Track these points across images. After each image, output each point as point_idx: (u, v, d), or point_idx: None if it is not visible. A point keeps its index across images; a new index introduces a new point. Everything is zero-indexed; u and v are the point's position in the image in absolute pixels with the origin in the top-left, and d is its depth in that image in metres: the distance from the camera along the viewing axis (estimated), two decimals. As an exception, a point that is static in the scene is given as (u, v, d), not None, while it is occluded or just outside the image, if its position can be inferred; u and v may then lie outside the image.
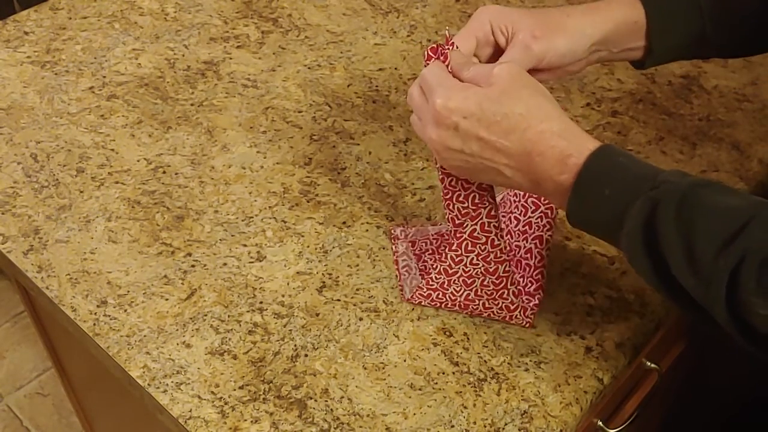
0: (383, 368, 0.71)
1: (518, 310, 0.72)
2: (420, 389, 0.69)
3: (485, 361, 0.71)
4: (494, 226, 0.67)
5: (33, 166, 0.88)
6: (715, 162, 0.90)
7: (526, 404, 0.69)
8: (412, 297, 0.74)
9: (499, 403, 0.69)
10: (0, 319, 1.90)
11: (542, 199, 0.74)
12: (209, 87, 0.97)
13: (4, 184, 0.86)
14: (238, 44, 1.03)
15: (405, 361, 0.71)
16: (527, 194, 0.74)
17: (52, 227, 0.81)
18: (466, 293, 0.72)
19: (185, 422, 0.67)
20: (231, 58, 1.01)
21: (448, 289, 0.72)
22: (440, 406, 0.68)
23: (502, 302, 0.71)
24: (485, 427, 0.67)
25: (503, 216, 0.77)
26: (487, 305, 0.72)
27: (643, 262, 0.57)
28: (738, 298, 0.52)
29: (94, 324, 0.74)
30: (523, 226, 0.73)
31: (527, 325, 0.73)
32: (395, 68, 1.00)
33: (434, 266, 0.71)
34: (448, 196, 0.67)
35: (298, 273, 0.78)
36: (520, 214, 0.75)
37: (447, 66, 0.64)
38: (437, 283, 0.72)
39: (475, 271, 0.70)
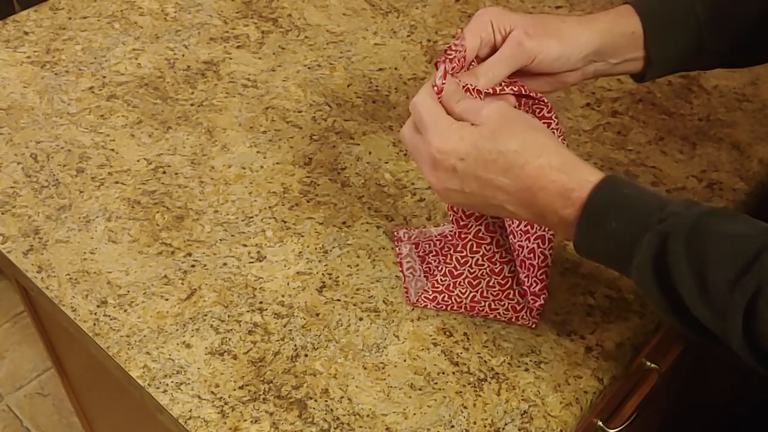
0: (383, 368, 0.71)
1: (524, 310, 0.72)
2: (420, 389, 0.69)
3: (485, 361, 0.71)
4: (499, 226, 0.67)
5: (33, 166, 0.88)
6: (715, 162, 0.90)
7: (526, 404, 0.69)
8: (417, 300, 0.74)
9: (499, 403, 0.69)
10: (0, 319, 1.90)
11: None
12: (209, 87, 0.97)
13: (4, 184, 0.86)
14: (238, 44, 1.03)
15: (405, 361, 0.71)
16: None
17: (52, 227, 0.82)
18: (471, 295, 0.72)
19: (185, 422, 0.67)
20: (231, 58, 1.01)
21: (453, 291, 0.72)
22: (440, 406, 0.68)
23: (508, 303, 0.71)
24: (485, 427, 0.67)
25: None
26: (493, 306, 0.72)
27: (655, 296, 0.57)
28: (756, 329, 0.52)
29: (94, 324, 0.74)
30: (526, 226, 0.73)
31: (533, 326, 0.73)
32: (395, 68, 1.00)
33: (439, 268, 0.71)
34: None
35: (298, 273, 0.78)
36: None
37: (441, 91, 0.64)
38: (443, 285, 0.71)
39: (481, 272, 0.70)
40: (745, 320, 0.52)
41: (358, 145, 0.91)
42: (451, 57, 0.65)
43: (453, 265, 0.70)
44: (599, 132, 0.93)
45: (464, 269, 0.70)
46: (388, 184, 0.86)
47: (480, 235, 0.68)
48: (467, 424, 0.67)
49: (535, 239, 0.73)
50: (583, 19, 0.70)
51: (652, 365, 0.86)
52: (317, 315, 0.74)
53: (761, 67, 1.02)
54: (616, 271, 0.62)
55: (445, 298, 0.73)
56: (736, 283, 0.52)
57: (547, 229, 0.73)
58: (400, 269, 0.77)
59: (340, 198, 0.85)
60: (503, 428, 0.67)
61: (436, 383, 0.70)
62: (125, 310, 0.75)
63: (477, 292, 0.71)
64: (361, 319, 0.74)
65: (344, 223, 0.82)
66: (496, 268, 0.69)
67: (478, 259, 0.69)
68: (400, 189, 0.86)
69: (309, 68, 1.00)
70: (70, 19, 1.07)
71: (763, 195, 0.89)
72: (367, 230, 0.82)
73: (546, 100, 0.67)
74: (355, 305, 0.75)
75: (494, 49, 0.68)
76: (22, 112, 0.94)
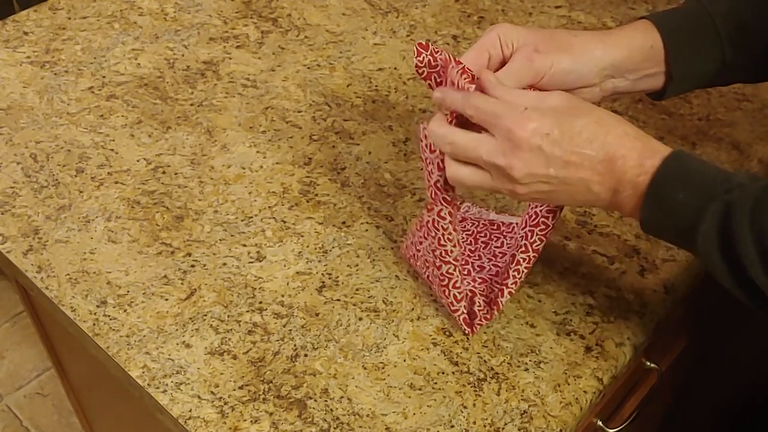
0: (383, 368, 0.71)
1: (458, 313, 0.72)
2: (420, 389, 0.69)
3: (485, 360, 0.71)
4: (443, 227, 0.67)
5: (32, 166, 0.88)
6: (715, 162, 0.89)
7: (526, 404, 0.69)
8: (402, 251, 0.77)
9: (499, 403, 0.69)
10: (0, 319, 1.90)
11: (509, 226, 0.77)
12: (209, 87, 0.97)
13: (3, 184, 0.86)
14: (238, 44, 1.03)
15: (405, 361, 0.71)
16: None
17: (52, 227, 0.82)
18: (426, 273, 0.74)
19: (185, 422, 0.67)
20: (230, 58, 1.01)
21: (417, 263, 0.74)
22: (440, 406, 0.68)
23: (445, 299, 0.72)
24: (485, 427, 0.67)
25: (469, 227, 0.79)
26: (438, 294, 0.73)
27: (719, 265, 0.58)
28: None
29: (94, 324, 0.74)
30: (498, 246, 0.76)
31: (467, 333, 0.73)
32: (395, 68, 1.00)
33: (412, 232, 0.72)
34: (426, 178, 0.68)
35: (297, 273, 0.78)
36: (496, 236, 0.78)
37: (456, 77, 0.63)
38: (414, 247, 0.74)
39: (428, 258, 0.71)
40: None
41: (358, 145, 0.91)
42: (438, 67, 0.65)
43: (417, 238, 0.72)
44: (599, 132, 0.93)
45: (422, 247, 0.71)
46: (388, 184, 0.86)
47: (429, 226, 0.68)
48: (467, 424, 0.67)
49: (502, 257, 0.75)
50: (598, 34, 0.69)
51: (652, 365, 0.86)
52: (317, 315, 0.74)
53: (761, 66, 1.02)
54: (678, 246, 0.63)
55: (417, 264, 0.75)
56: None
57: (518, 249, 0.72)
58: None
59: (339, 198, 0.85)
60: (503, 428, 0.67)
61: (436, 383, 0.70)
62: (125, 310, 0.75)
63: (426, 275, 0.74)
64: (360, 319, 0.74)
65: (344, 223, 0.82)
66: (437, 262, 0.70)
67: (426, 246, 0.70)
68: (400, 189, 0.86)
69: (309, 68, 1.00)
70: (69, 19, 1.07)
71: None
72: (366, 230, 0.82)
73: None
74: (354, 305, 0.75)
75: (502, 65, 0.68)
76: (22, 112, 0.94)
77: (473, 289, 0.73)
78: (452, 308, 0.72)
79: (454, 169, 0.63)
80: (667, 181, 0.59)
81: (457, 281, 0.70)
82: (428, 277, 0.73)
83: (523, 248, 0.71)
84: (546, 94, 0.63)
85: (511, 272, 0.71)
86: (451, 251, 0.68)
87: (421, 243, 0.71)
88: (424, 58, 0.65)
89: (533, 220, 0.70)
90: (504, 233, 0.77)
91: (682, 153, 0.60)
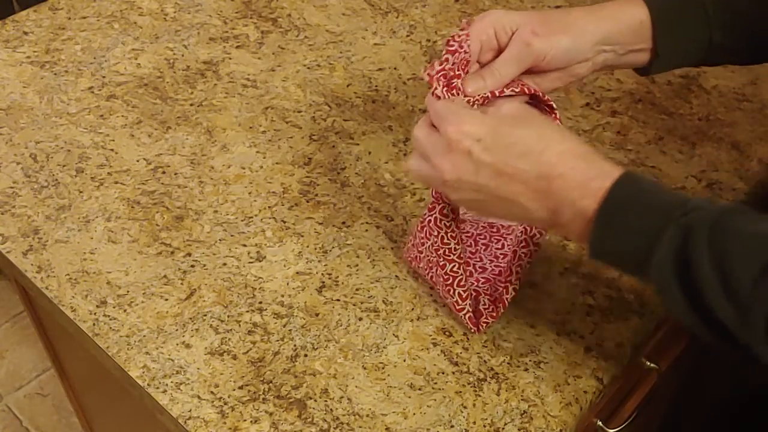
0: (383, 368, 0.71)
1: (463, 312, 0.71)
2: (420, 389, 0.69)
3: (485, 361, 0.71)
4: (446, 224, 0.67)
5: (32, 166, 0.88)
6: (715, 162, 0.90)
7: (526, 404, 0.69)
8: (404, 255, 0.76)
9: (499, 403, 0.69)
10: (0, 319, 1.90)
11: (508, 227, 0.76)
12: (209, 87, 0.97)
13: (3, 184, 0.86)
14: (238, 44, 1.03)
15: (405, 361, 0.71)
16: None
17: (52, 227, 0.81)
18: (429, 274, 0.73)
19: (185, 422, 0.67)
20: (230, 58, 1.01)
21: (420, 265, 0.74)
22: (440, 406, 0.68)
23: (450, 299, 0.72)
24: (485, 427, 0.67)
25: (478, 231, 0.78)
26: (443, 294, 0.73)
27: (676, 294, 0.55)
28: None
29: (94, 324, 0.74)
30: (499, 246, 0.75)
31: (474, 331, 0.72)
32: (395, 68, 1.00)
33: (414, 234, 0.72)
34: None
35: (297, 273, 0.78)
36: (492, 237, 0.77)
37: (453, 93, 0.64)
38: (416, 249, 0.73)
39: (431, 259, 0.71)
40: None
41: (358, 145, 0.91)
42: (451, 61, 0.65)
43: (419, 241, 0.71)
44: (599, 132, 0.93)
45: (424, 249, 0.71)
46: (388, 184, 0.86)
47: (431, 225, 0.68)
48: (467, 424, 0.67)
49: (503, 257, 0.75)
50: (589, 9, 0.69)
51: (652, 365, 0.86)
52: (317, 315, 0.74)
53: (761, 66, 1.02)
54: (631, 274, 0.59)
55: (421, 266, 0.74)
56: (760, 278, 0.51)
57: (520, 245, 0.72)
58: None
59: (339, 198, 0.85)
60: (503, 428, 0.67)
61: (436, 383, 0.70)
62: (125, 310, 0.75)
63: (429, 275, 0.73)
64: (360, 319, 0.74)
65: (344, 223, 0.82)
66: (441, 261, 0.69)
67: (429, 246, 0.70)
68: (400, 189, 0.86)
69: (308, 68, 1.00)
70: (69, 19, 1.07)
71: (762, 195, 0.89)
72: (366, 230, 0.82)
73: (552, 104, 0.66)
74: (354, 305, 0.75)
75: (498, 52, 0.68)
76: (22, 112, 0.94)
77: (477, 288, 0.73)
78: (457, 307, 0.71)
79: (412, 161, 0.64)
80: (619, 204, 0.55)
81: (461, 279, 0.70)
82: (432, 278, 0.73)
83: (524, 243, 0.71)
84: (504, 102, 0.62)
85: (513, 269, 0.71)
86: (455, 249, 0.68)
87: (423, 244, 0.71)
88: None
89: None
90: (504, 235, 0.77)
91: (635, 174, 0.57)
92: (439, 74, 0.64)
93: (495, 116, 0.60)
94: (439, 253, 0.69)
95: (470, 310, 0.71)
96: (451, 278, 0.70)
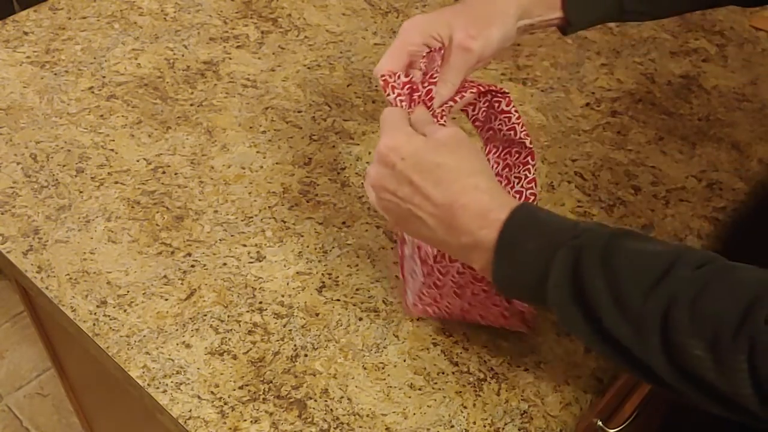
0: (383, 368, 0.71)
1: (514, 316, 0.69)
2: (420, 389, 0.69)
3: (485, 361, 0.71)
4: None
5: (32, 166, 0.88)
6: (715, 162, 0.90)
7: (526, 404, 0.69)
8: (412, 308, 0.72)
9: (499, 403, 0.69)
10: (0, 319, 1.90)
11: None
12: (209, 87, 0.97)
13: (3, 184, 0.86)
14: (238, 44, 1.03)
15: (405, 361, 0.71)
16: None
17: (52, 227, 0.82)
18: (460, 304, 0.69)
19: (185, 422, 0.67)
20: (230, 58, 1.01)
21: (441, 302, 0.70)
22: (440, 406, 0.68)
23: (496, 309, 0.69)
24: (485, 427, 0.67)
25: None
26: (482, 314, 0.70)
27: (573, 315, 0.56)
28: (673, 341, 0.51)
29: (94, 324, 0.74)
30: None
31: (526, 330, 0.71)
32: (395, 68, 1.00)
33: (424, 282, 0.69)
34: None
35: (297, 273, 0.78)
36: None
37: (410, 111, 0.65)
38: (430, 298, 0.70)
39: (463, 280, 0.67)
40: (663, 333, 0.52)
41: (358, 145, 0.91)
42: (402, 98, 0.66)
43: (436, 277, 0.67)
44: (599, 132, 0.93)
45: (446, 279, 0.67)
46: (388, 184, 0.86)
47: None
48: (467, 424, 0.67)
49: None
50: None
51: (652, 365, 0.86)
52: (317, 315, 0.74)
53: (761, 66, 1.02)
54: (534, 303, 0.61)
55: (436, 310, 0.71)
56: (650, 293, 0.52)
57: None
58: (401, 271, 0.75)
59: (339, 198, 0.85)
60: (503, 428, 0.67)
61: (436, 383, 0.70)
62: (125, 310, 0.75)
63: (464, 301, 0.69)
64: (360, 319, 0.74)
65: (344, 223, 0.82)
66: (478, 274, 0.66)
67: (459, 267, 0.66)
68: (400, 189, 0.86)
69: (309, 68, 1.00)
70: (69, 19, 1.07)
71: (762, 195, 0.89)
72: (366, 230, 0.82)
73: (506, 92, 0.68)
74: (354, 305, 0.75)
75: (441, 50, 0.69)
76: (22, 112, 0.94)
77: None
78: (506, 314, 0.69)
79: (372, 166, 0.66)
80: (514, 233, 0.57)
81: None
82: (463, 307, 0.69)
83: None
84: (438, 128, 0.63)
85: None
86: None
87: (441, 280, 0.67)
88: (390, 95, 0.66)
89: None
90: None
91: (529, 205, 0.59)
92: (405, 86, 0.66)
93: (426, 139, 0.62)
94: None
95: (518, 311, 0.69)
96: (492, 286, 0.66)
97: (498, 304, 0.68)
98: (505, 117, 0.68)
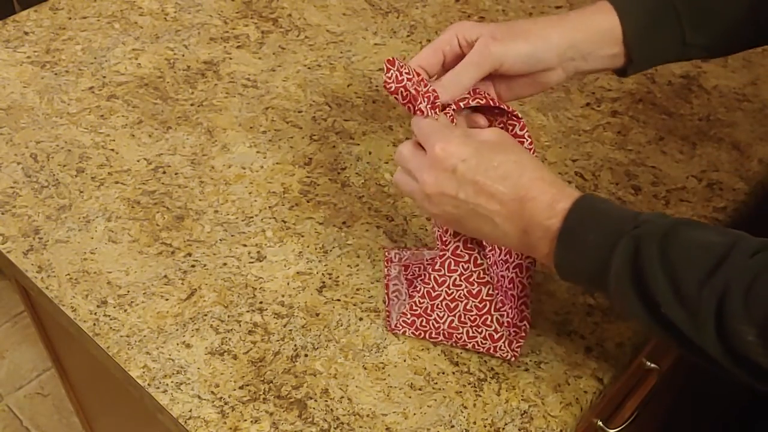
0: (383, 368, 0.71)
1: (502, 340, 0.69)
2: (420, 389, 0.69)
3: (485, 361, 0.71)
4: (477, 243, 0.66)
5: (33, 166, 0.88)
6: (715, 162, 0.90)
7: (526, 404, 0.69)
8: (396, 325, 0.72)
9: (499, 403, 0.69)
10: (0, 319, 1.90)
11: None
12: (209, 87, 0.97)
13: (4, 184, 0.86)
14: (238, 44, 1.03)
15: (405, 361, 0.71)
16: None
17: (52, 227, 0.82)
18: (449, 319, 0.69)
19: (185, 422, 0.67)
20: (231, 58, 1.01)
21: (431, 315, 0.69)
22: (440, 406, 0.68)
23: (486, 330, 0.69)
24: (485, 427, 0.67)
25: (487, 244, 0.76)
26: (471, 334, 0.70)
27: (633, 302, 0.58)
28: (727, 327, 0.53)
29: (94, 324, 0.74)
30: (505, 255, 0.72)
31: (512, 359, 0.70)
32: (395, 68, 1.00)
33: (418, 289, 0.69)
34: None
35: (298, 273, 0.78)
36: None
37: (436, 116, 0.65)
38: (421, 308, 0.69)
39: (458, 293, 0.67)
40: (717, 318, 0.53)
41: (358, 145, 0.91)
42: (419, 93, 0.65)
43: (431, 286, 0.68)
44: (599, 132, 0.93)
45: (442, 290, 0.68)
46: (388, 184, 0.86)
47: (458, 251, 0.66)
48: (467, 424, 0.67)
49: (513, 268, 0.72)
50: (556, 18, 0.70)
51: (652, 365, 0.86)
52: (317, 315, 0.74)
53: (761, 67, 1.02)
54: (596, 291, 0.63)
55: (423, 323, 0.70)
56: (706, 282, 0.54)
57: (524, 257, 0.71)
58: (386, 291, 0.75)
59: (340, 198, 0.85)
60: (503, 428, 0.67)
61: (436, 383, 0.70)
62: (125, 310, 0.75)
63: (455, 316, 0.69)
64: (361, 319, 0.74)
65: (344, 223, 0.82)
66: (474, 289, 0.67)
67: (455, 279, 0.67)
68: (400, 189, 0.86)
69: (309, 68, 1.00)
70: (70, 19, 1.07)
71: (763, 195, 0.89)
72: (367, 230, 0.82)
73: (519, 116, 0.67)
74: (355, 305, 0.75)
75: (460, 60, 0.68)
76: (22, 112, 0.94)
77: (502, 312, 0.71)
78: (495, 337, 0.69)
79: (398, 175, 0.67)
80: (577, 222, 0.59)
81: (497, 302, 0.67)
82: (451, 323, 0.69)
83: (525, 269, 0.71)
84: (481, 130, 0.64)
85: (526, 282, 0.71)
86: (488, 270, 0.66)
87: (442, 284, 0.68)
88: (392, 74, 0.65)
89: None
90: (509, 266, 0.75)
91: (592, 196, 0.61)
92: (425, 94, 0.65)
93: (477, 139, 0.63)
94: (470, 280, 0.66)
95: (507, 336, 0.69)
96: (487, 304, 0.67)
97: (489, 324, 0.69)
98: (518, 141, 0.68)
